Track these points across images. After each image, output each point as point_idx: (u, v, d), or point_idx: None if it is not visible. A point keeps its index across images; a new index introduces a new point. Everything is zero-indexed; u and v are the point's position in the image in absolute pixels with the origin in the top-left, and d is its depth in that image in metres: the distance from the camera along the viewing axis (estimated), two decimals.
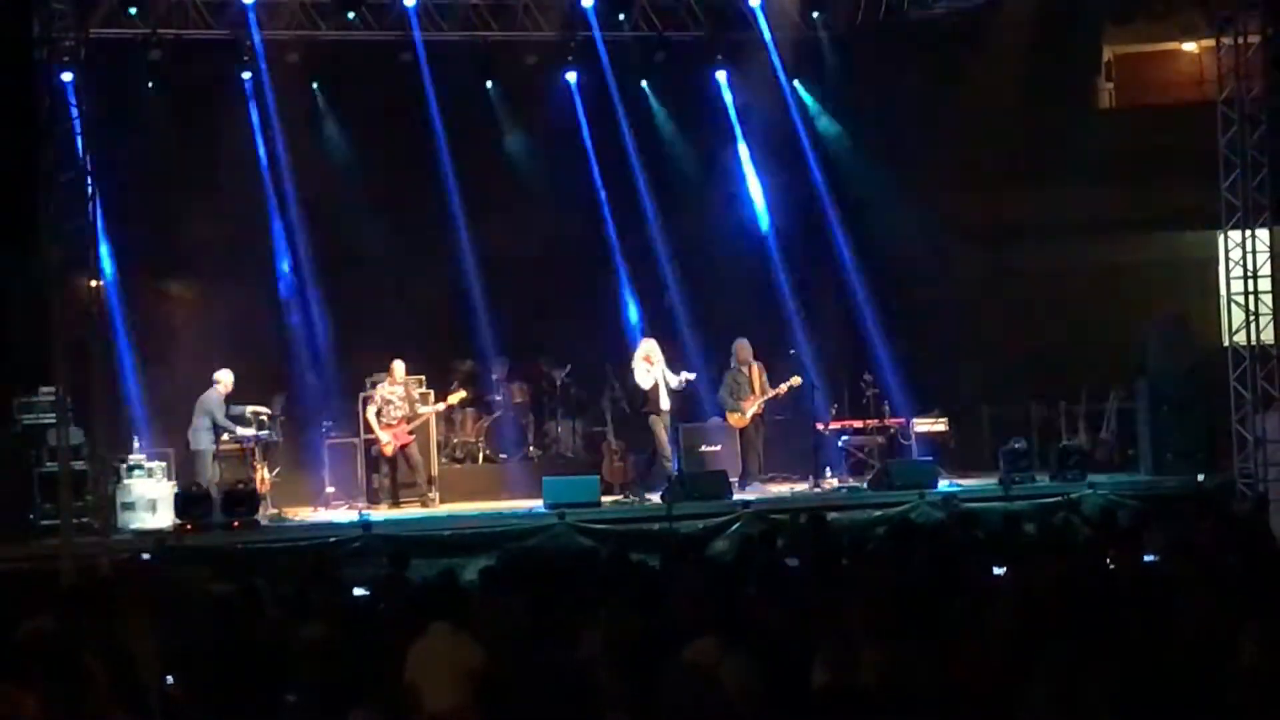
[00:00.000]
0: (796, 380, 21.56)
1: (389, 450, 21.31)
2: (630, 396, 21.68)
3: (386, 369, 21.58)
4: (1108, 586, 11.15)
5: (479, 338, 23.74)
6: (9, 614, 10.77)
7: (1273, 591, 10.16)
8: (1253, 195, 20.11)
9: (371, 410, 21.43)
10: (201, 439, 20.26)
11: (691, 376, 21.40)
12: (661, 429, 21.17)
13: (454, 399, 22.03)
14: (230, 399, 20.49)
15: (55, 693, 8.12)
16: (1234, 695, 7.78)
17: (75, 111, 18.34)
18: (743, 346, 21.85)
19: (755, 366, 21.72)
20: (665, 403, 21.17)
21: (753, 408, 21.55)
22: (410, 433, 21.35)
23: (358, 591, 13.59)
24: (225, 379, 20.45)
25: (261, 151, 22.92)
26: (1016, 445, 21.23)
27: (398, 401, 21.39)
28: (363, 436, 21.72)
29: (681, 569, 13.19)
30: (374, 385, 21.66)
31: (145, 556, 16.91)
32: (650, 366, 21.14)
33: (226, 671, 9.14)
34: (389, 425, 21.28)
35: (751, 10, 24.01)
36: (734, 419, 21.69)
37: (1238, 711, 7.80)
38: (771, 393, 21.59)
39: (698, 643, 8.77)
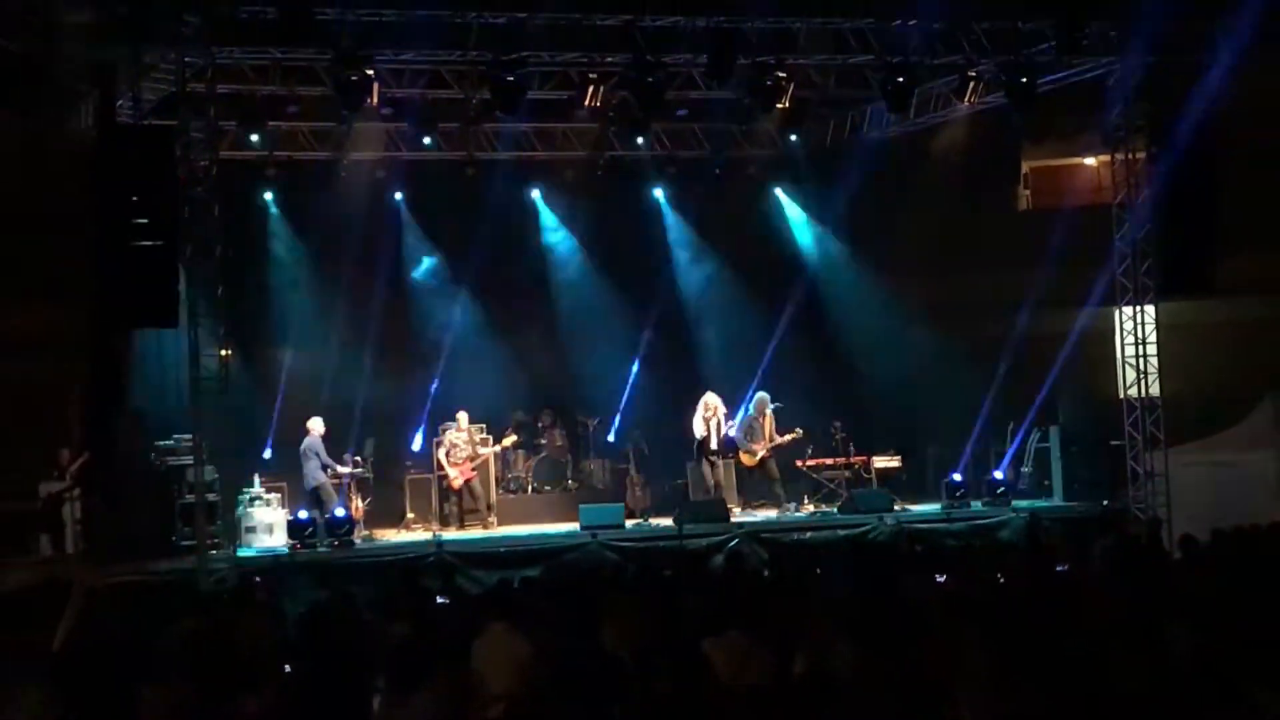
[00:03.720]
0: (799, 432, 21.67)
1: (456, 484, 21.40)
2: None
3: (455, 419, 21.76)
4: (1027, 590, 11.21)
5: (528, 394, 23.97)
6: (161, 616, 10.87)
7: (1166, 594, 10.22)
8: (1141, 279, 20.36)
9: (441, 452, 21.54)
10: (319, 475, 20.24)
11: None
12: (705, 468, 21.38)
13: (507, 442, 22.08)
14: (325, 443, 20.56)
15: (205, 681, 8.22)
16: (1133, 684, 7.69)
17: (208, 218, 18.46)
18: (762, 400, 21.96)
19: (769, 417, 21.81)
20: (714, 445, 21.40)
21: (761, 451, 21.65)
22: (473, 469, 21.44)
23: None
24: (317, 425, 20.45)
25: (355, 245, 23.02)
26: (955, 478, 21.30)
27: (462, 444, 21.49)
28: (436, 473, 21.82)
29: (689, 577, 13.28)
30: (444, 431, 21.78)
31: (257, 579, 16.91)
32: (706, 418, 21.33)
33: (329, 662, 9.21)
34: (456, 464, 21.38)
35: (743, 132, 24.20)
36: (745, 458, 21.81)
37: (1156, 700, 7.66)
38: (778, 440, 21.67)
39: (722, 636, 8.81)
